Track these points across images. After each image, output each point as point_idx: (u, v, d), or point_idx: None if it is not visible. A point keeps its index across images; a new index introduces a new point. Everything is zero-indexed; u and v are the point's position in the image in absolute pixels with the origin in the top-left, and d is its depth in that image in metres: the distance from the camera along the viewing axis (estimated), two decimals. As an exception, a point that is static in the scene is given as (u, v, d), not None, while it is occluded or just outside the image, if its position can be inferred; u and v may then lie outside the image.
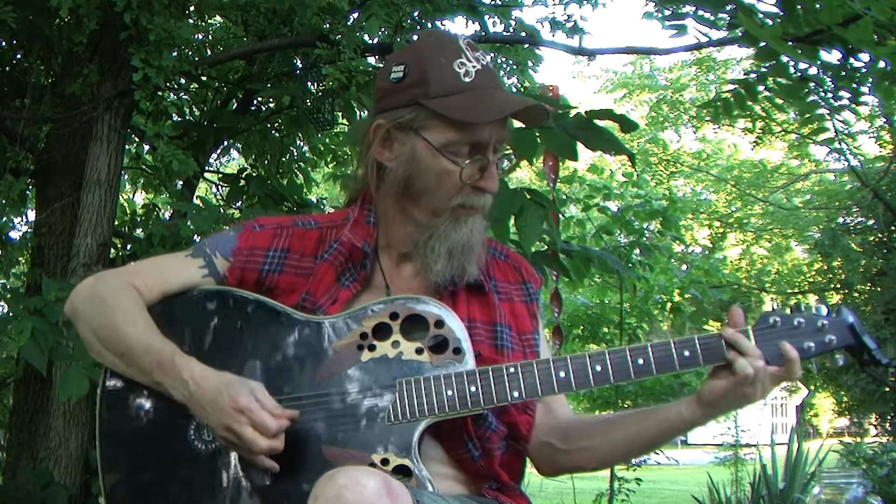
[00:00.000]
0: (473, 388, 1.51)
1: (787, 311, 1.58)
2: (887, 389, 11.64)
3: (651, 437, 1.64)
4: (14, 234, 5.43)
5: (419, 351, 1.54)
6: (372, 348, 1.55)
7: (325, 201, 5.49)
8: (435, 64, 1.58)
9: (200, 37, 4.95)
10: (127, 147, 4.47)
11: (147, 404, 1.62)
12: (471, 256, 1.62)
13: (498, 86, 1.64)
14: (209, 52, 4.88)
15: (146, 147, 5.05)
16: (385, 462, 1.49)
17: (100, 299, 1.62)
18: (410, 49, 1.67)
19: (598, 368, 1.53)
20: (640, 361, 1.53)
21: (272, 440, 1.47)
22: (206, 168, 5.13)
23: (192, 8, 4.57)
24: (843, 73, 3.12)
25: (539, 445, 1.71)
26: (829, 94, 3.25)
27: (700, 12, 3.17)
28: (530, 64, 4.84)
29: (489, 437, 1.60)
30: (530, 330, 1.71)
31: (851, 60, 3.09)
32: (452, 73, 1.58)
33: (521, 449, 1.67)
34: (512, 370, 1.53)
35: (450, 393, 1.51)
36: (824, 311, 1.57)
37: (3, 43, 4.31)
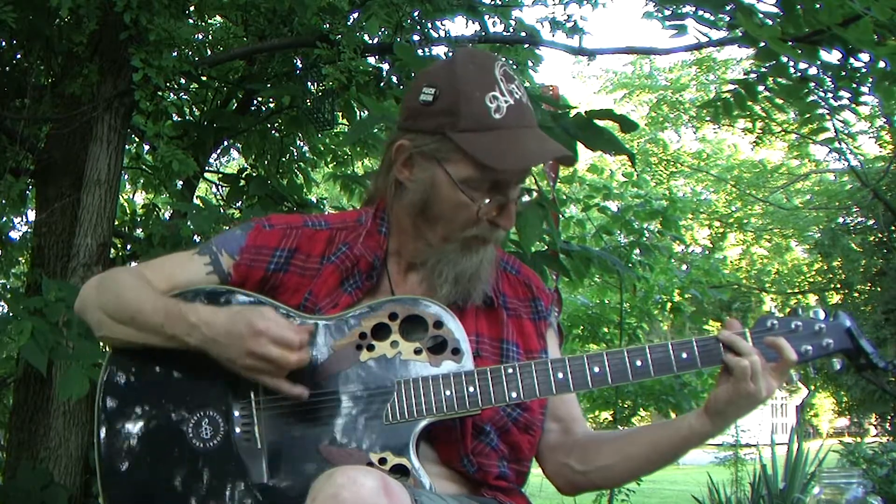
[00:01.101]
0: (472, 389, 1.51)
1: (785, 314, 1.58)
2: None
3: (665, 452, 1.64)
4: (14, 234, 5.44)
5: (418, 351, 1.54)
6: (371, 348, 1.55)
7: (325, 201, 5.50)
8: (466, 95, 1.54)
9: (200, 37, 4.95)
10: (127, 147, 4.47)
11: (146, 403, 1.62)
12: (477, 283, 1.62)
13: (530, 123, 1.58)
14: (209, 52, 4.88)
15: (146, 147, 5.05)
16: (383, 461, 1.49)
17: (107, 283, 1.67)
18: (444, 71, 1.60)
19: (596, 370, 1.53)
20: (638, 363, 1.53)
21: (300, 353, 1.49)
22: (206, 168, 5.13)
23: (192, 8, 4.57)
24: (843, 73, 3.12)
25: (558, 467, 1.71)
26: (829, 94, 3.25)
27: (700, 12, 3.17)
28: (530, 64, 4.84)
29: (487, 454, 1.59)
30: (537, 349, 1.70)
31: (851, 60, 3.09)
32: (483, 107, 1.53)
33: (524, 470, 1.67)
34: (510, 371, 1.53)
35: (448, 393, 1.51)
36: (822, 314, 1.57)
37: (3, 43, 4.31)
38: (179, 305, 1.56)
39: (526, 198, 1.64)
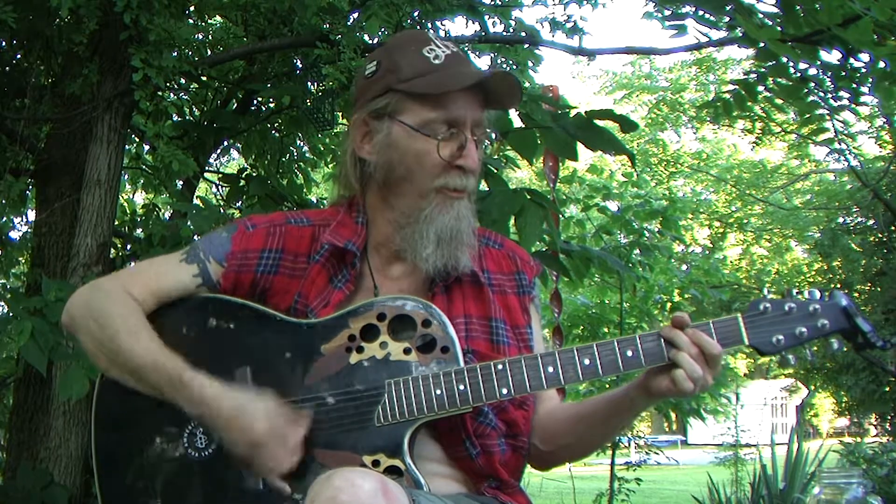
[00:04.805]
0: (462, 387, 1.51)
1: (778, 297, 1.55)
2: (887, 389, 11.62)
3: (614, 428, 1.70)
4: (14, 234, 5.43)
5: (407, 351, 1.54)
6: (360, 350, 1.55)
7: (324, 201, 5.49)
8: (405, 52, 1.62)
9: (200, 37, 4.94)
10: (127, 147, 4.47)
11: (140, 413, 1.62)
12: (461, 244, 1.61)
13: (470, 65, 1.66)
14: (209, 52, 4.87)
15: (146, 147, 5.04)
16: (376, 463, 1.48)
17: (99, 312, 1.61)
18: (382, 47, 1.71)
19: (587, 362, 1.52)
20: (629, 353, 1.52)
21: (291, 459, 1.50)
22: (206, 168, 5.13)
23: (192, 8, 4.56)
24: (843, 73, 3.12)
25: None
26: (829, 95, 3.25)
27: (700, 12, 3.18)
28: (530, 64, 4.83)
29: (488, 434, 1.59)
30: (523, 324, 1.70)
31: (851, 60, 3.09)
32: (422, 57, 1.61)
33: (521, 445, 1.67)
34: (500, 367, 1.52)
35: (438, 392, 1.50)
36: (817, 295, 1.53)
37: (3, 43, 4.31)
38: (182, 374, 1.53)
39: (487, 144, 1.70)
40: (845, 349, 1.56)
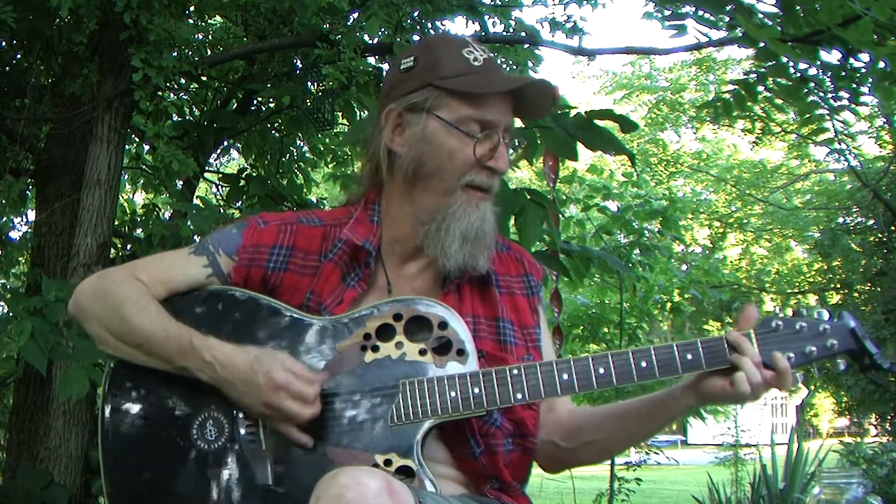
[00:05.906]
0: (476, 390, 1.51)
1: (790, 315, 1.58)
2: (887, 389, 11.63)
3: (653, 427, 1.69)
4: (14, 234, 5.44)
5: (422, 352, 1.54)
6: (375, 349, 1.55)
7: (324, 201, 5.50)
8: (445, 51, 1.64)
9: (200, 37, 4.94)
10: (127, 147, 4.47)
11: (150, 403, 1.62)
12: (482, 246, 1.63)
13: (504, 71, 1.68)
14: (209, 52, 4.87)
15: (146, 147, 5.04)
16: (388, 463, 1.49)
17: (106, 294, 1.63)
18: (419, 44, 1.74)
19: (601, 371, 1.53)
20: (644, 364, 1.53)
21: (312, 407, 1.50)
22: (206, 168, 5.13)
23: (192, 8, 4.57)
24: (843, 74, 3.12)
25: (542, 444, 1.71)
26: (829, 95, 3.25)
27: (700, 12, 3.18)
28: (530, 64, 4.82)
29: (493, 434, 1.60)
30: (532, 324, 1.72)
31: (851, 60, 3.09)
32: (462, 58, 1.63)
33: (530, 446, 1.67)
34: (515, 372, 1.53)
35: (453, 394, 1.51)
36: (826, 315, 1.57)
37: (3, 43, 4.31)
38: (192, 338, 1.55)
39: (512, 152, 1.70)
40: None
